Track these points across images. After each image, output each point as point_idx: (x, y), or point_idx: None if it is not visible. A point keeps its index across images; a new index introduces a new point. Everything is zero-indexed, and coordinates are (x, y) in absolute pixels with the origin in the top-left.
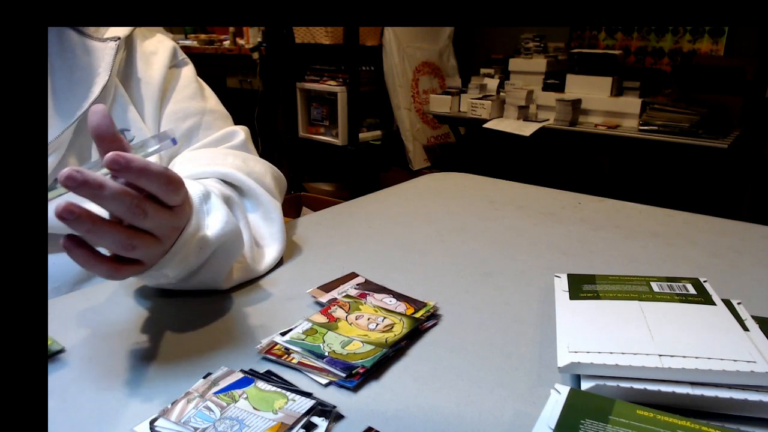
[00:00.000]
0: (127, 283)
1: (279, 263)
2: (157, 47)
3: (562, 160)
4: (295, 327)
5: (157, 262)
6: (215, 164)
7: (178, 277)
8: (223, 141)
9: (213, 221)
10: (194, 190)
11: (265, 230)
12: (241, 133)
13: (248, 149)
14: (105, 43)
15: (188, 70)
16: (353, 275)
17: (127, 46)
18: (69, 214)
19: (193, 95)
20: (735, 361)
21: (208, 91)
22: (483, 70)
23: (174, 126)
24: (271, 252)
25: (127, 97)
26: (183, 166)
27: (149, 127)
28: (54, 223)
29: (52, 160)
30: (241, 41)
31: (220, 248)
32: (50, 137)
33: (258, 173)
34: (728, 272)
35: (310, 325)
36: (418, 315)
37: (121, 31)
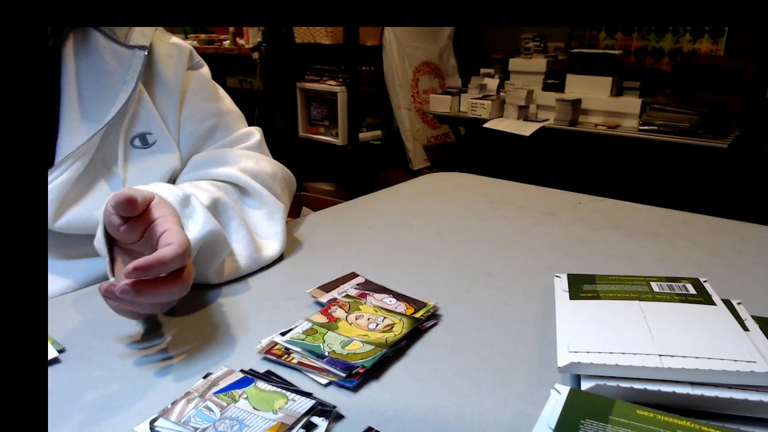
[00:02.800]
0: None
1: (279, 262)
2: (174, 50)
3: (562, 160)
4: (295, 327)
5: None
6: (222, 165)
7: None
8: (240, 141)
9: (193, 225)
10: (173, 196)
11: (267, 229)
12: (257, 133)
13: (262, 149)
14: (132, 51)
15: (204, 72)
16: (353, 275)
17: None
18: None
19: (209, 97)
20: (735, 361)
21: (223, 92)
22: (483, 70)
23: (194, 127)
24: (269, 250)
25: (150, 100)
26: (194, 167)
27: (170, 129)
28: (62, 224)
29: (78, 165)
30: (241, 41)
31: (203, 249)
32: (78, 142)
33: (268, 173)
34: (728, 272)
35: (310, 325)
36: (418, 315)
37: (145, 39)
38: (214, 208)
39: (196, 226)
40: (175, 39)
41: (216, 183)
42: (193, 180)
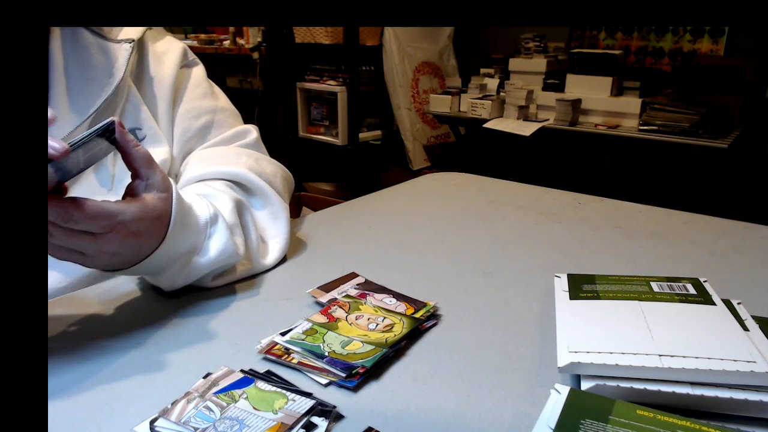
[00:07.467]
0: (128, 284)
1: (280, 262)
2: (167, 48)
3: (562, 160)
4: (295, 327)
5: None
6: (228, 164)
7: (166, 287)
8: (236, 139)
9: (212, 246)
10: (203, 211)
11: (272, 229)
12: (254, 131)
13: (259, 148)
14: (119, 45)
15: (199, 70)
16: (353, 275)
17: (139, 47)
18: None
19: (204, 94)
20: (735, 361)
21: (218, 90)
22: (483, 70)
23: (188, 124)
24: (274, 251)
25: (140, 96)
26: (197, 164)
27: (162, 126)
28: None
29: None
30: (241, 41)
31: (213, 270)
32: (64, 133)
33: (269, 174)
34: (728, 272)
35: (310, 325)
36: (418, 315)
37: (134, 33)
38: (238, 212)
39: (214, 250)
40: (170, 37)
41: (227, 183)
42: (200, 178)
